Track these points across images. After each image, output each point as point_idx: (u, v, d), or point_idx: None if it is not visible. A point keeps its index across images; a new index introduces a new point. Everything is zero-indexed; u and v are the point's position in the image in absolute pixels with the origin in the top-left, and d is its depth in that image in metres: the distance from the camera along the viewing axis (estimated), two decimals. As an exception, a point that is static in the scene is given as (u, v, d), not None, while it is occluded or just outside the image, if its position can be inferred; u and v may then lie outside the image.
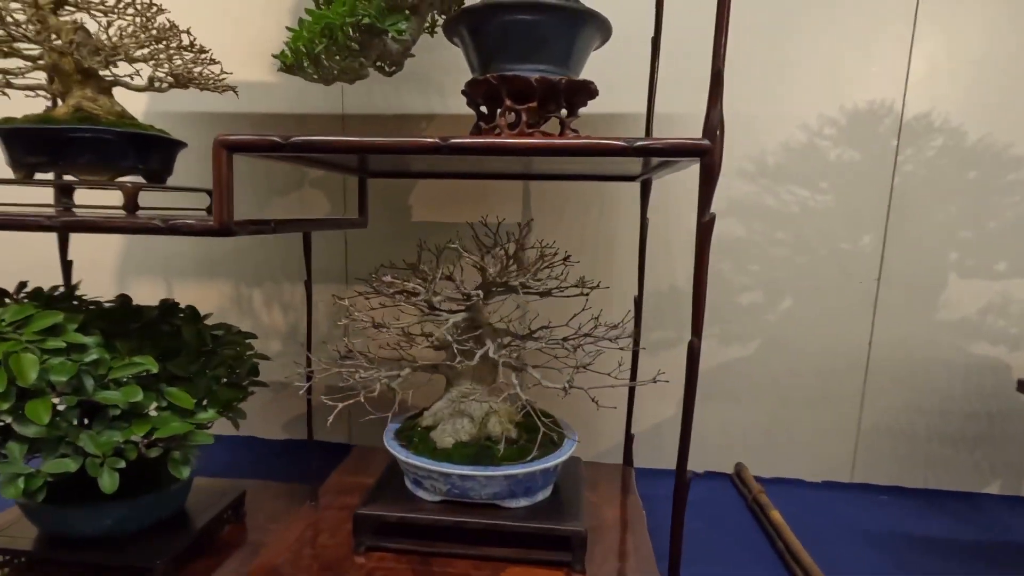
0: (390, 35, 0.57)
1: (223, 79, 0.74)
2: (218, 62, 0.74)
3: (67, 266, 0.92)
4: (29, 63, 0.64)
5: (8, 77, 0.63)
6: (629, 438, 1.00)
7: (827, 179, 1.07)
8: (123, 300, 0.75)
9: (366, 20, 0.53)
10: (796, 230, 1.09)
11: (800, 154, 1.07)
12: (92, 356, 0.60)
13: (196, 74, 0.72)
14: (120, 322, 0.68)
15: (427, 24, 0.68)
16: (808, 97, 1.05)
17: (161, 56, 0.69)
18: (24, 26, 0.61)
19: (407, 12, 0.57)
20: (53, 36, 0.63)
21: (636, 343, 0.94)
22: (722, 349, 1.13)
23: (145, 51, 0.68)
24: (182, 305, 0.78)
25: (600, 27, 0.60)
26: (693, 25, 0.89)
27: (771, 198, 1.09)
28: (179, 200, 1.04)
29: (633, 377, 0.96)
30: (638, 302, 0.96)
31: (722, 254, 1.10)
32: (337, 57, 0.57)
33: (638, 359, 0.97)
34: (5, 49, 0.61)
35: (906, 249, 1.06)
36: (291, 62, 0.57)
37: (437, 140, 0.49)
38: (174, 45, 0.70)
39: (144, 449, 0.59)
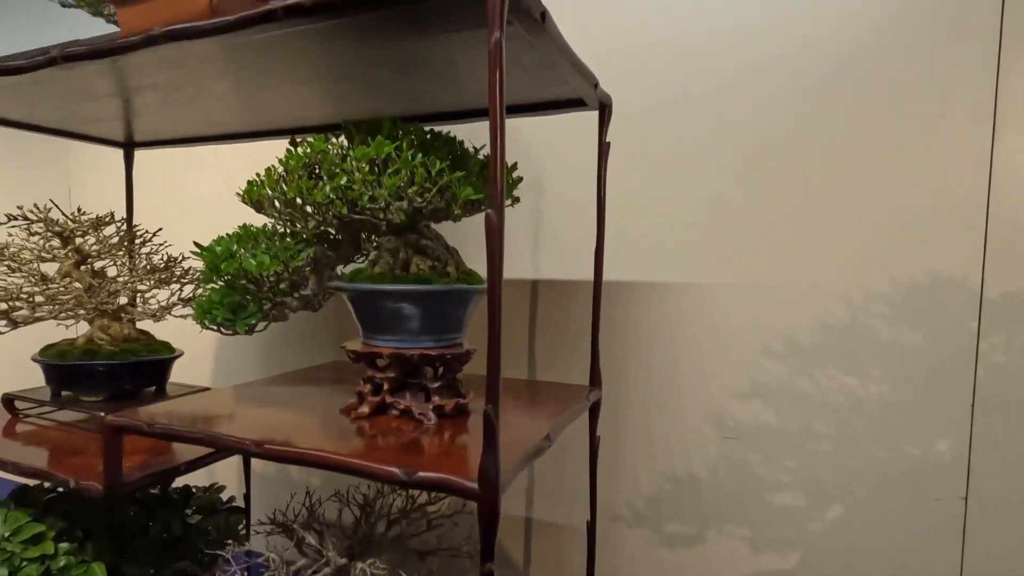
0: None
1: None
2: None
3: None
4: (58, 306, 0.81)
5: (47, 312, 0.80)
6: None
7: (881, 365, 0.87)
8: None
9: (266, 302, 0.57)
10: (842, 424, 0.89)
11: (842, 333, 0.89)
12: (60, 563, 0.71)
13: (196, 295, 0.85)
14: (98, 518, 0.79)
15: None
16: (848, 265, 0.88)
17: (166, 283, 0.83)
18: (54, 280, 0.78)
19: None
20: (76, 284, 0.79)
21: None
22: (753, 557, 0.95)
23: (152, 281, 0.82)
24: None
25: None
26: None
27: (807, 382, 0.91)
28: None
29: None
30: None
31: (747, 441, 0.94)
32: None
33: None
34: (39, 299, 0.78)
35: (1002, 460, 0.81)
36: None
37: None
38: (177, 273, 0.84)
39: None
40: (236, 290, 0.55)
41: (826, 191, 0.87)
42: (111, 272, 0.83)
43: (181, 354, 0.86)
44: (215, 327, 0.57)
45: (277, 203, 0.54)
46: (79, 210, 0.81)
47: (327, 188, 0.50)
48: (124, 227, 0.84)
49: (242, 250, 0.55)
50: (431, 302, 0.56)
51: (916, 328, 0.85)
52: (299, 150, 0.55)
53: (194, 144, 1.11)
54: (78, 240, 0.79)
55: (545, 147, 1.03)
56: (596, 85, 0.65)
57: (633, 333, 0.99)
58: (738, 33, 0.90)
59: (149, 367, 0.82)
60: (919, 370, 0.84)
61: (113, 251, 0.79)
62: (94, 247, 0.79)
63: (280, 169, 0.55)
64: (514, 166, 0.64)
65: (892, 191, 0.84)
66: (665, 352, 0.97)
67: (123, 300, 0.79)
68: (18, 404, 0.83)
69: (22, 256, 0.75)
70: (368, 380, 0.59)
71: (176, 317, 0.80)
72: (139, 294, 0.82)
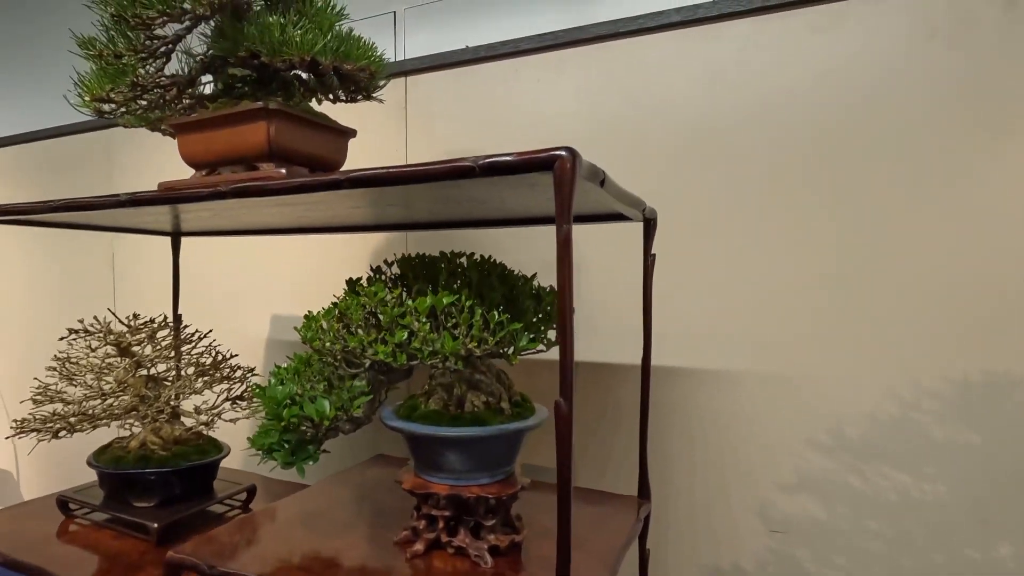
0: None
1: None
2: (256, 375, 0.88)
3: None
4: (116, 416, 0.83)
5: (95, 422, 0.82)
6: None
7: (934, 464, 0.84)
8: None
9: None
10: (896, 523, 0.87)
11: (892, 429, 0.87)
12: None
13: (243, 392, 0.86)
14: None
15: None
16: (895, 360, 0.86)
17: (215, 385, 0.84)
18: (112, 386, 0.80)
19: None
20: (130, 394, 0.81)
21: None
22: (804, 659, 0.92)
23: (200, 384, 0.84)
24: None
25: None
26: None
27: (856, 478, 0.89)
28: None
29: None
30: None
31: (795, 536, 0.92)
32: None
33: None
34: (98, 410, 0.80)
35: (1071, 575, 0.78)
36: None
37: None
38: (224, 372, 0.86)
39: None
40: (293, 432, 0.56)
41: (871, 286, 0.86)
42: (162, 371, 0.85)
43: (229, 452, 0.87)
44: (266, 458, 0.58)
45: (338, 353, 0.55)
46: (135, 316, 0.84)
47: (390, 346, 0.51)
48: (172, 326, 0.86)
49: (298, 390, 0.56)
50: (489, 444, 0.56)
51: (972, 428, 0.82)
52: (357, 299, 0.56)
53: (238, 235, 1.15)
54: (135, 349, 0.81)
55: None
56: (644, 208, 0.66)
57: (674, 420, 0.98)
58: (767, 112, 0.90)
59: (200, 471, 0.83)
60: (977, 471, 0.82)
61: (166, 355, 0.81)
62: (150, 355, 0.81)
63: (337, 315, 0.56)
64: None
65: (941, 284, 0.83)
66: (708, 440, 0.96)
67: (173, 402, 0.80)
68: (71, 505, 0.84)
69: (81, 368, 0.78)
70: (423, 515, 0.59)
71: (226, 421, 0.81)
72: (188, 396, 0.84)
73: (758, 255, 0.92)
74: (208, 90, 0.76)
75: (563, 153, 0.39)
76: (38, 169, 1.78)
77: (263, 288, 1.40)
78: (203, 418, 0.78)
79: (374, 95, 0.81)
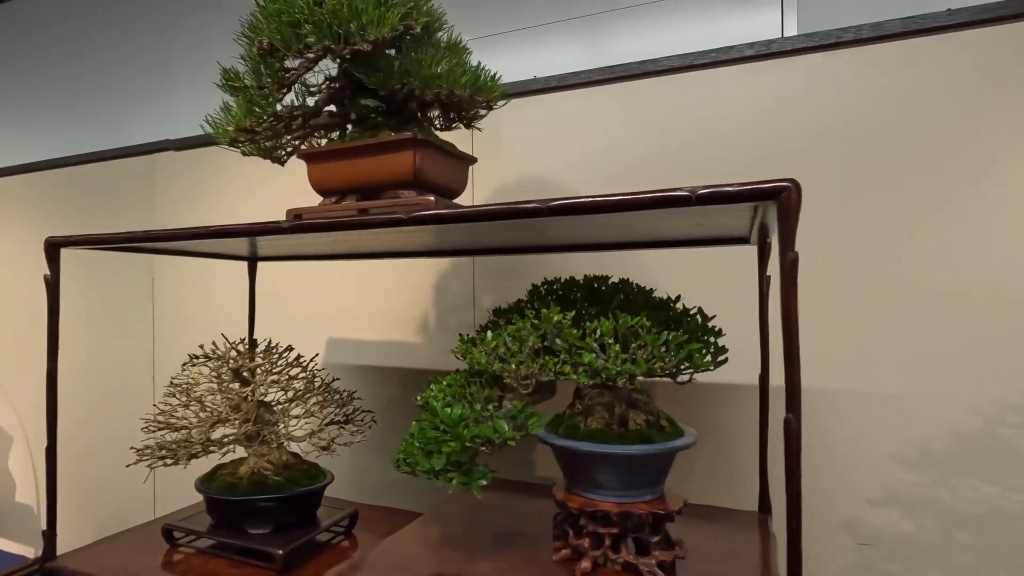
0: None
1: (365, 420, 0.87)
2: (365, 409, 0.88)
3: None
4: (230, 436, 0.82)
5: (214, 447, 0.82)
6: None
7: (1021, 475, 0.88)
8: None
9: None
10: (986, 536, 0.90)
11: (976, 443, 0.90)
12: None
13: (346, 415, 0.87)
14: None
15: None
16: (977, 376, 0.90)
17: (316, 410, 0.85)
18: (226, 411, 0.80)
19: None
20: (242, 415, 0.81)
21: None
22: (899, 672, 0.94)
23: (316, 408, 0.84)
24: None
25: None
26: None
27: (943, 491, 0.92)
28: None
29: None
30: None
31: (884, 548, 0.94)
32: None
33: None
34: (215, 435, 0.80)
35: None
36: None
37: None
38: (324, 399, 0.86)
39: None
40: (464, 453, 0.57)
41: (955, 305, 0.90)
42: (271, 396, 0.85)
43: (333, 478, 0.87)
44: (434, 479, 0.59)
45: (507, 377, 0.57)
46: (243, 341, 0.84)
47: (581, 369, 0.53)
48: (278, 351, 0.86)
49: (467, 411, 0.58)
50: (656, 461, 0.58)
51: (1057, 441, 0.87)
52: (528, 322, 0.58)
53: (314, 260, 1.16)
54: (247, 374, 0.81)
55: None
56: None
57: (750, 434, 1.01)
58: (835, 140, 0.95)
59: (312, 496, 0.83)
60: (1063, 482, 0.86)
61: (277, 380, 0.82)
62: (263, 379, 0.81)
63: (507, 338, 0.58)
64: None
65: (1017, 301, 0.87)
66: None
67: (282, 427, 0.80)
68: (175, 533, 0.83)
69: (199, 392, 0.78)
70: (587, 533, 0.60)
71: (342, 445, 0.81)
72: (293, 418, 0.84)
73: (842, 277, 0.96)
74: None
75: (789, 184, 0.43)
76: (77, 194, 1.77)
77: (318, 312, 1.40)
78: (319, 443, 0.78)
79: (474, 124, 0.84)
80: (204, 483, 0.82)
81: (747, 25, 1.09)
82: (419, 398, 0.66)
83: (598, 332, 0.54)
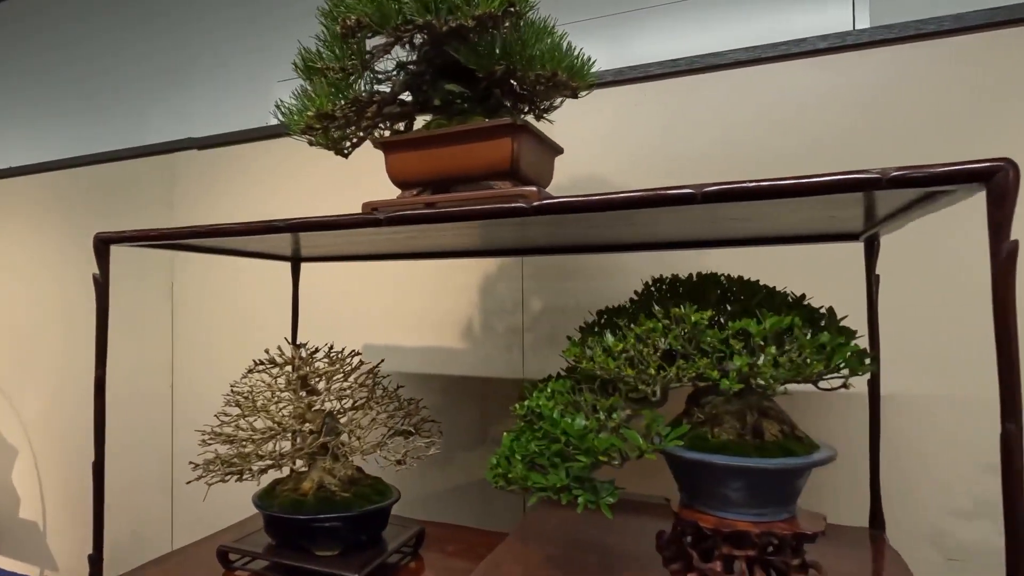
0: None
1: (432, 430, 0.81)
2: (430, 419, 0.82)
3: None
4: (290, 449, 0.76)
5: (285, 461, 0.75)
6: None
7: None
8: None
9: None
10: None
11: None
12: None
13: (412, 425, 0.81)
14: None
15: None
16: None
17: (384, 420, 0.78)
18: (289, 421, 0.74)
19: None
20: (308, 426, 0.75)
21: None
22: None
23: (372, 417, 0.78)
24: None
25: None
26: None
27: (1040, 502, 0.88)
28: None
29: None
30: None
31: (976, 564, 0.90)
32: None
33: None
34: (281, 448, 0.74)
35: None
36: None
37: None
38: (391, 407, 0.80)
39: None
40: (587, 468, 0.51)
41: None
42: (336, 405, 0.79)
43: (399, 495, 0.81)
44: (554, 497, 0.53)
45: (641, 384, 0.51)
46: (302, 346, 0.78)
47: (732, 374, 0.48)
48: (342, 356, 0.80)
49: (588, 422, 0.52)
50: (798, 475, 0.53)
51: None
52: (656, 323, 0.52)
53: (358, 260, 1.10)
54: (315, 381, 0.75)
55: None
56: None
57: (853, 446, 0.96)
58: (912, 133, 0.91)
59: (381, 514, 0.76)
60: None
61: (342, 387, 0.75)
62: (331, 386, 0.75)
63: (632, 343, 0.52)
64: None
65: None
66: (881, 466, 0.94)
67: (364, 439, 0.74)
68: (231, 556, 0.76)
69: (264, 402, 0.71)
70: (716, 556, 0.55)
71: (416, 459, 0.75)
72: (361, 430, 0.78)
73: (925, 276, 0.92)
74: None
75: (1004, 164, 0.38)
76: (89, 194, 1.69)
77: (348, 315, 1.34)
78: (393, 456, 0.72)
79: (547, 115, 0.79)
80: (263, 500, 0.75)
81: (815, 19, 1.04)
82: (520, 406, 0.60)
83: (750, 334, 0.48)
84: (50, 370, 1.73)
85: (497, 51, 0.61)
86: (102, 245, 0.73)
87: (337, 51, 0.63)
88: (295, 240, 1.01)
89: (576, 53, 0.65)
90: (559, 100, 0.78)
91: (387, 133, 0.74)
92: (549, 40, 0.63)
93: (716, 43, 1.08)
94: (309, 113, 0.64)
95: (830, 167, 0.95)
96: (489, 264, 1.25)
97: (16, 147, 2.00)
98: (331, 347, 0.82)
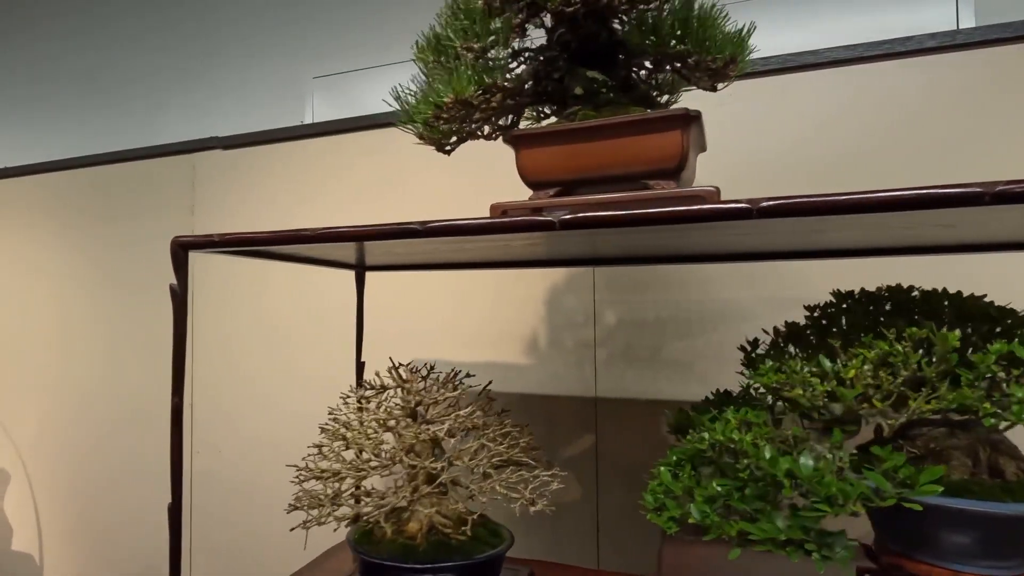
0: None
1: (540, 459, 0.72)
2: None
3: None
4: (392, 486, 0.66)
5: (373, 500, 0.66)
6: None
7: None
8: None
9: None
10: None
11: None
12: None
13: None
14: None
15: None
16: None
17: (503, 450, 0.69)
18: (399, 453, 0.64)
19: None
20: (414, 458, 0.65)
21: None
22: None
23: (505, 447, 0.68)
24: None
25: None
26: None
27: None
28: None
29: None
30: None
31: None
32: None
33: None
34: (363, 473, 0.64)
35: None
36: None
37: None
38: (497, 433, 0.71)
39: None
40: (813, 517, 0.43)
41: None
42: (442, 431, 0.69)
43: (513, 538, 0.71)
44: (776, 551, 0.45)
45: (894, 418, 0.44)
46: (412, 368, 0.68)
47: (1017, 409, 0.40)
48: (450, 379, 0.70)
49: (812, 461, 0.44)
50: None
51: None
52: (899, 346, 0.45)
53: (423, 270, 1.01)
54: (427, 407, 0.65)
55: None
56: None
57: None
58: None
59: (499, 560, 0.67)
60: None
61: (461, 416, 0.66)
62: (442, 413, 0.65)
63: (867, 368, 0.45)
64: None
65: None
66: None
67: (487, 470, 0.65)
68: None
69: (366, 430, 0.61)
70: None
71: (543, 496, 0.66)
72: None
73: None
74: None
75: None
76: (95, 195, 1.56)
77: (396, 328, 1.24)
78: (524, 495, 0.63)
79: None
80: (364, 543, 0.65)
81: (913, 17, 0.99)
82: (706, 438, 0.52)
83: (1019, 359, 0.41)
84: (42, 387, 1.59)
85: (678, 31, 0.53)
86: (181, 251, 0.62)
87: (479, 29, 0.55)
88: (359, 249, 0.91)
89: (747, 35, 0.57)
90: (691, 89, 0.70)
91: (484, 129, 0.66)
92: (717, 21, 0.56)
93: (811, 40, 1.02)
94: (445, 99, 0.55)
95: (941, 173, 0.90)
96: (556, 275, 1.17)
97: (9, 146, 1.85)
98: (453, 370, 0.72)
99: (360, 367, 0.97)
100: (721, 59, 0.54)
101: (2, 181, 1.67)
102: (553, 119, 0.66)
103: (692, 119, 0.54)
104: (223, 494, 1.38)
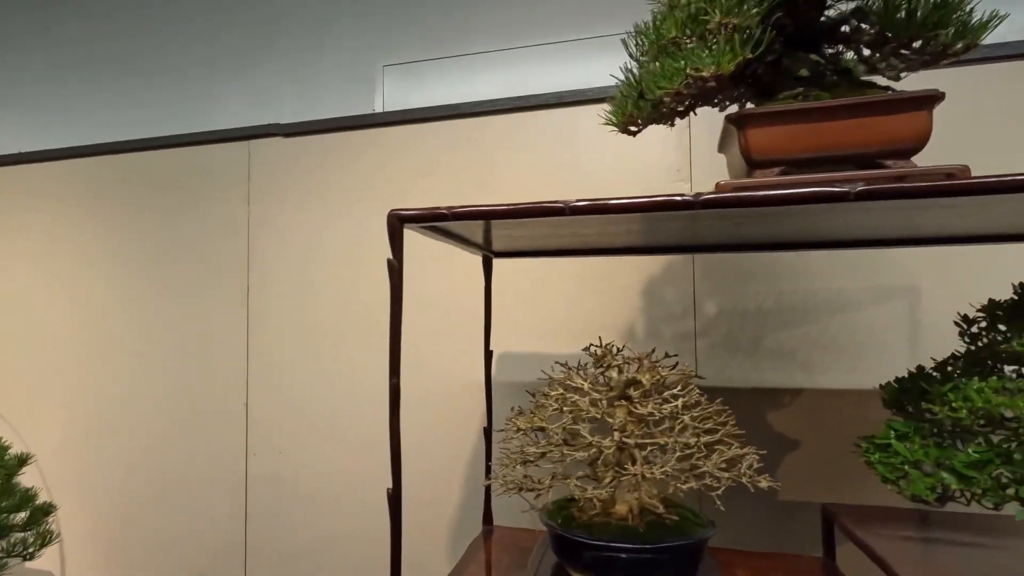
0: None
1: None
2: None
3: None
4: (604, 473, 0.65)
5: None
6: None
7: None
8: None
9: None
10: None
11: None
12: None
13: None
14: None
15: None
16: None
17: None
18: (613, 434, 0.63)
19: None
20: (616, 434, 0.64)
21: None
22: None
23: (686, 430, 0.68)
24: None
25: None
26: None
27: None
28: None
29: None
30: None
31: None
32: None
33: None
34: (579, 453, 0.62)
35: None
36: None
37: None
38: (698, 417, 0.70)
39: None
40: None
41: None
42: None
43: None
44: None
45: None
46: (610, 348, 0.67)
47: None
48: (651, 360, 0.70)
49: None
50: None
51: None
52: None
53: (551, 256, 1.00)
54: (644, 380, 0.64)
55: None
56: None
57: None
58: None
59: (706, 540, 0.66)
60: None
61: (667, 398, 0.65)
62: (652, 396, 0.64)
63: None
64: None
65: None
66: None
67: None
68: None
69: (580, 407, 0.60)
70: None
71: (752, 483, 0.66)
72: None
73: None
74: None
75: None
76: (160, 179, 1.46)
77: (481, 319, 1.21)
78: (753, 477, 0.62)
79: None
80: (564, 524, 0.63)
81: None
82: (962, 406, 0.53)
83: None
84: (59, 395, 1.48)
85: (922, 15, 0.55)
86: (398, 224, 0.59)
87: (735, 5, 0.55)
88: (487, 230, 0.89)
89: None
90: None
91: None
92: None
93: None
94: (704, 71, 0.54)
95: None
96: (651, 264, 1.17)
97: (38, 128, 1.73)
98: (654, 351, 0.71)
99: (488, 356, 0.94)
100: (963, 44, 0.56)
101: (47, 164, 1.54)
102: (747, 103, 0.67)
103: (938, 100, 0.56)
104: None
